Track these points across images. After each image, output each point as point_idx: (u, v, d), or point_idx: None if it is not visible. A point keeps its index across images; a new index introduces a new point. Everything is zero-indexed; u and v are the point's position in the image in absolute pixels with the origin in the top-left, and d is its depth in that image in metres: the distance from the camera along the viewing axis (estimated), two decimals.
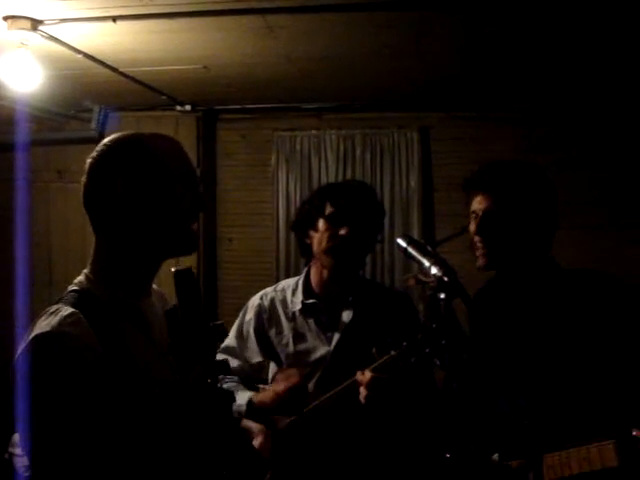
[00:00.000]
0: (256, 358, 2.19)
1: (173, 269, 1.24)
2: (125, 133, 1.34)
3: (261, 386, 2.20)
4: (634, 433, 1.32)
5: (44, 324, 1.17)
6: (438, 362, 1.53)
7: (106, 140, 1.32)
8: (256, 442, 1.98)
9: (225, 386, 2.14)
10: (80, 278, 1.30)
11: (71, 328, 1.16)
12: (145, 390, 1.22)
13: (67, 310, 1.19)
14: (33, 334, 1.16)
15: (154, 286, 1.42)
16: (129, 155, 1.28)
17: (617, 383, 1.56)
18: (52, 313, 1.19)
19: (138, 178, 1.26)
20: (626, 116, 4.28)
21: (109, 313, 1.24)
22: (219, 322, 1.34)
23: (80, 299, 1.23)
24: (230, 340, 2.23)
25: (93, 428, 1.13)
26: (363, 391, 1.82)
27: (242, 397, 2.07)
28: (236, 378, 2.19)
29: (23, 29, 2.72)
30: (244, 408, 2.03)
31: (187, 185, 1.32)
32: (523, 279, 1.75)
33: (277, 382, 2.01)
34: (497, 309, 1.82)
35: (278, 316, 2.16)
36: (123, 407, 1.18)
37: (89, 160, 1.30)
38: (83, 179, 1.30)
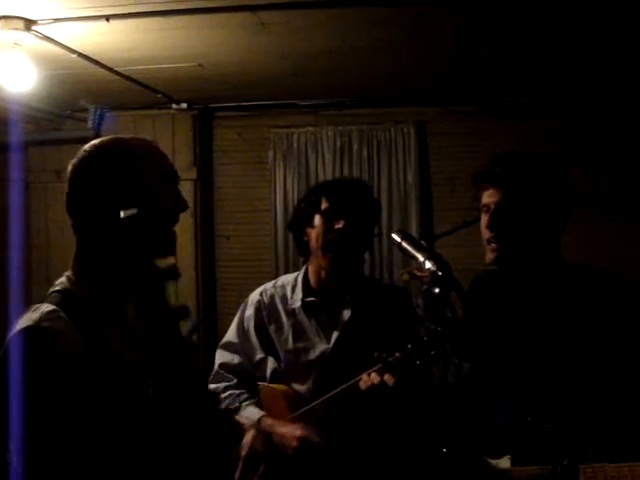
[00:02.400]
0: (258, 354, 2.19)
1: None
2: (104, 138, 1.35)
3: (260, 384, 2.21)
4: None
5: (24, 320, 1.19)
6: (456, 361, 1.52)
7: (86, 146, 1.33)
8: (248, 436, 1.99)
9: (228, 394, 2.14)
10: (62, 279, 1.30)
11: (51, 323, 1.17)
12: (131, 388, 1.22)
13: (48, 307, 1.21)
14: (13, 331, 1.18)
15: None
16: (110, 159, 1.29)
17: (622, 383, 1.55)
18: (33, 311, 1.21)
19: (121, 182, 1.27)
20: (625, 110, 4.27)
21: (91, 312, 1.24)
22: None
23: (62, 298, 1.24)
24: (230, 336, 2.23)
25: (74, 422, 1.14)
26: (369, 391, 1.82)
27: (249, 414, 2.07)
28: (236, 380, 2.18)
29: (16, 29, 2.71)
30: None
31: (168, 185, 1.33)
32: (526, 273, 1.72)
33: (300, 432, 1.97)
34: (497, 302, 1.81)
35: (278, 312, 2.17)
36: (107, 402, 1.18)
37: (70, 167, 1.31)
38: (66, 185, 1.31)
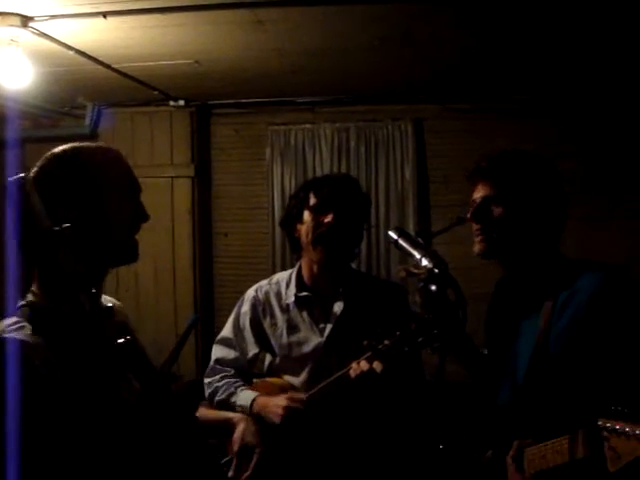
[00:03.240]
0: (252, 350, 2.22)
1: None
2: (64, 147, 1.34)
3: (255, 380, 2.23)
4: (599, 423, 1.30)
5: None
6: (430, 351, 1.53)
7: (47, 154, 1.33)
8: (238, 430, 2.01)
9: (224, 382, 2.17)
10: (27, 295, 1.29)
11: (14, 334, 1.17)
12: (102, 397, 1.22)
13: (10, 319, 1.21)
14: None
15: (116, 302, 1.42)
16: (66, 170, 1.29)
17: (613, 376, 1.55)
18: None
19: (74, 193, 1.28)
20: (624, 107, 4.27)
21: (57, 323, 1.23)
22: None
23: (27, 312, 1.24)
24: (227, 331, 2.26)
25: (40, 430, 1.13)
26: (358, 379, 1.84)
27: (245, 397, 2.10)
28: (232, 371, 2.21)
29: (13, 26, 2.71)
30: (247, 410, 2.07)
31: (126, 197, 1.34)
32: (525, 270, 1.72)
33: (286, 396, 2.03)
34: (504, 301, 1.82)
35: (272, 308, 2.20)
36: (75, 414, 1.17)
37: (31, 173, 1.31)
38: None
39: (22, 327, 1.19)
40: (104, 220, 1.29)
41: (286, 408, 1.97)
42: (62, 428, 1.15)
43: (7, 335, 1.17)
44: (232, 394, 2.14)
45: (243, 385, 2.17)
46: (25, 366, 1.14)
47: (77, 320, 1.26)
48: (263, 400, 2.06)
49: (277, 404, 2.00)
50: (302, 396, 2.00)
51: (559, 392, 1.56)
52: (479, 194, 1.72)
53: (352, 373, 1.87)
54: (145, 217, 1.37)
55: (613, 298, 1.57)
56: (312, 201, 2.08)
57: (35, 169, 1.32)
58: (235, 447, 1.95)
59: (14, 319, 1.21)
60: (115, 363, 1.30)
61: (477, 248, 1.72)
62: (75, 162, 1.31)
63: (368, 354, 1.83)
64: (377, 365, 1.81)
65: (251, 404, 2.07)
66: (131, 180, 1.37)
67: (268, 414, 2.01)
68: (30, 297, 1.28)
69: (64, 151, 1.33)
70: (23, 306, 1.26)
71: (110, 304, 1.40)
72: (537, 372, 1.60)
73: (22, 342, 1.16)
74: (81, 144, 1.36)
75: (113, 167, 1.35)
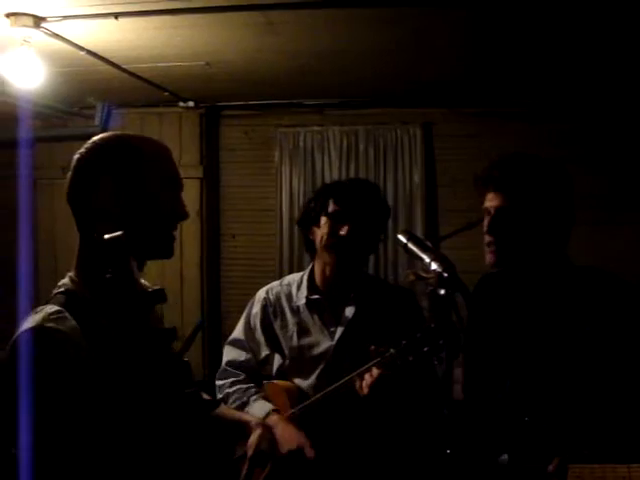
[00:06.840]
0: (263, 351, 2.22)
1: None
2: (113, 133, 1.36)
3: (265, 382, 2.22)
4: None
5: (29, 322, 1.19)
6: (436, 362, 1.54)
7: (95, 138, 1.34)
8: (255, 435, 1.99)
9: (235, 388, 2.16)
10: (65, 281, 1.31)
11: (54, 324, 1.18)
12: (133, 387, 1.22)
13: (51, 308, 1.21)
14: (18, 332, 1.18)
15: (145, 283, 1.43)
16: (114, 155, 1.30)
17: (626, 389, 1.55)
18: (37, 312, 1.21)
19: (121, 178, 1.28)
20: (628, 112, 4.26)
21: (94, 312, 1.24)
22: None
23: (65, 299, 1.25)
24: (238, 333, 2.26)
25: (76, 422, 1.14)
26: (362, 388, 1.84)
27: (258, 409, 2.08)
28: (243, 375, 2.20)
29: (26, 26, 2.72)
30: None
31: (170, 190, 1.34)
32: (531, 274, 1.71)
33: (294, 435, 1.97)
34: (502, 302, 1.81)
35: (283, 310, 2.20)
36: (110, 403, 1.18)
37: (76, 156, 1.32)
38: (69, 174, 1.32)
39: (63, 318, 1.19)
40: (146, 207, 1.29)
41: (297, 451, 1.92)
42: (93, 416, 1.16)
43: (48, 325, 1.17)
44: (245, 404, 2.12)
45: (255, 393, 2.15)
46: (63, 358, 1.15)
47: (114, 308, 1.27)
48: (275, 419, 2.01)
49: (292, 439, 1.94)
50: (311, 454, 1.92)
51: (574, 400, 1.55)
52: (492, 203, 1.69)
53: (358, 387, 1.87)
54: (184, 215, 1.37)
55: (624, 306, 1.56)
56: (330, 208, 2.08)
57: (81, 150, 1.32)
58: (249, 452, 1.92)
59: (55, 308, 1.21)
60: (153, 351, 1.30)
61: (489, 259, 1.71)
62: (123, 147, 1.32)
63: (373, 362, 1.84)
64: (382, 374, 1.82)
65: (264, 418, 2.02)
66: (174, 174, 1.38)
67: (279, 438, 1.94)
68: (68, 284, 1.29)
69: (111, 136, 1.34)
70: (60, 293, 1.27)
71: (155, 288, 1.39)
72: (549, 378, 1.59)
73: (61, 334, 1.17)
74: (128, 133, 1.38)
75: (159, 158, 1.35)
